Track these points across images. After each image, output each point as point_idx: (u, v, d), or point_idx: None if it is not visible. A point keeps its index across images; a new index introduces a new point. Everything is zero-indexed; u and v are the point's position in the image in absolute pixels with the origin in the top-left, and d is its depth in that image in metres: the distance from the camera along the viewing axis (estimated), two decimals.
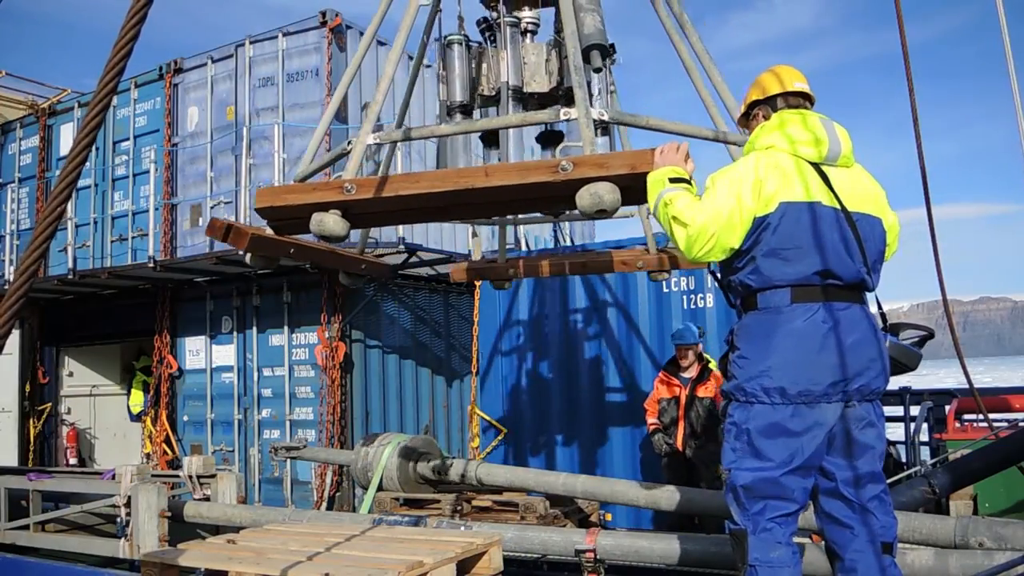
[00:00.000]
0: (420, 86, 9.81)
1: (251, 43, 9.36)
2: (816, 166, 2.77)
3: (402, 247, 8.53)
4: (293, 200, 3.52)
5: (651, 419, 6.77)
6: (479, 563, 3.73)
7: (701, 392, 6.42)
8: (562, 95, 4.26)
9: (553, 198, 3.60)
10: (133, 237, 10.18)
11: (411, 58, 9.81)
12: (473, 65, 4.32)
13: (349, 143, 3.87)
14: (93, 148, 10.79)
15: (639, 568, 4.24)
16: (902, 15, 3.26)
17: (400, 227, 8.95)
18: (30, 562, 5.80)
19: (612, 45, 3.98)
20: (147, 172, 9.91)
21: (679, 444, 6.51)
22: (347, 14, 9.23)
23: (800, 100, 2.96)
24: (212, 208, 9.47)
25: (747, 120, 3.11)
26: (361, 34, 9.38)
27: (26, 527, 6.36)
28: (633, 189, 3.06)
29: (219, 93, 9.67)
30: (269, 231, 3.90)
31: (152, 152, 10.01)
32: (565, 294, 8.25)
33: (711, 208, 2.71)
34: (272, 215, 3.69)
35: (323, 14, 8.90)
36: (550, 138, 4.60)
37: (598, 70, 3.53)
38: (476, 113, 4.50)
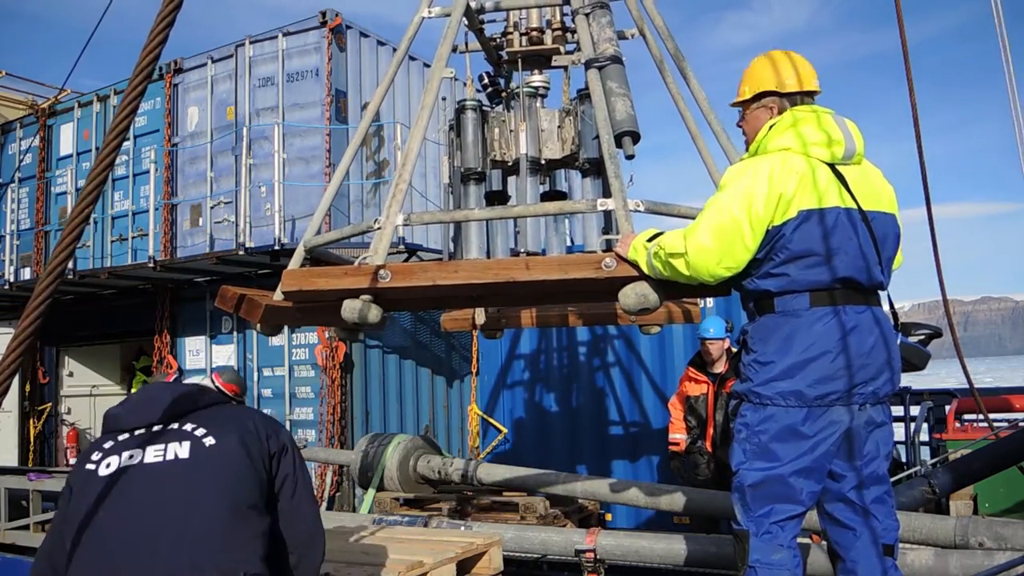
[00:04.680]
0: (420, 78, 9.83)
1: (251, 43, 9.35)
2: (831, 166, 2.73)
3: (402, 247, 8.52)
4: (323, 285, 3.42)
5: (675, 434, 6.35)
6: (479, 563, 3.74)
7: (729, 389, 6.16)
8: (578, 165, 4.18)
9: (594, 292, 3.52)
10: (133, 237, 10.17)
11: (421, 63, 9.87)
12: (484, 128, 4.23)
13: (376, 222, 3.72)
14: (93, 148, 10.76)
15: (639, 568, 4.24)
16: (902, 15, 3.26)
17: (400, 228, 8.92)
18: (30, 562, 5.80)
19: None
20: (147, 172, 9.90)
21: (707, 444, 6.30)
22: (347, 14, 9.23)
23: (812, 99, 2.91)
24: (212, 208, 9.47)
25: (746, 106, 2.98)
26: (361, 34, 9.39)
27: (26, 527, 6.37)
28: (675, 285, 2.99)
29: (219, 93, 9.66)
30: (278, 297, 3.74)
31: (152, 152, 9.99)
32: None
33: (715, 224, 2.66)
34: (300, 298, 3.59)
35: (323, 14, 8.90)
36: (553, 198, 4.53)
37: (630, 157, 3.40)
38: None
